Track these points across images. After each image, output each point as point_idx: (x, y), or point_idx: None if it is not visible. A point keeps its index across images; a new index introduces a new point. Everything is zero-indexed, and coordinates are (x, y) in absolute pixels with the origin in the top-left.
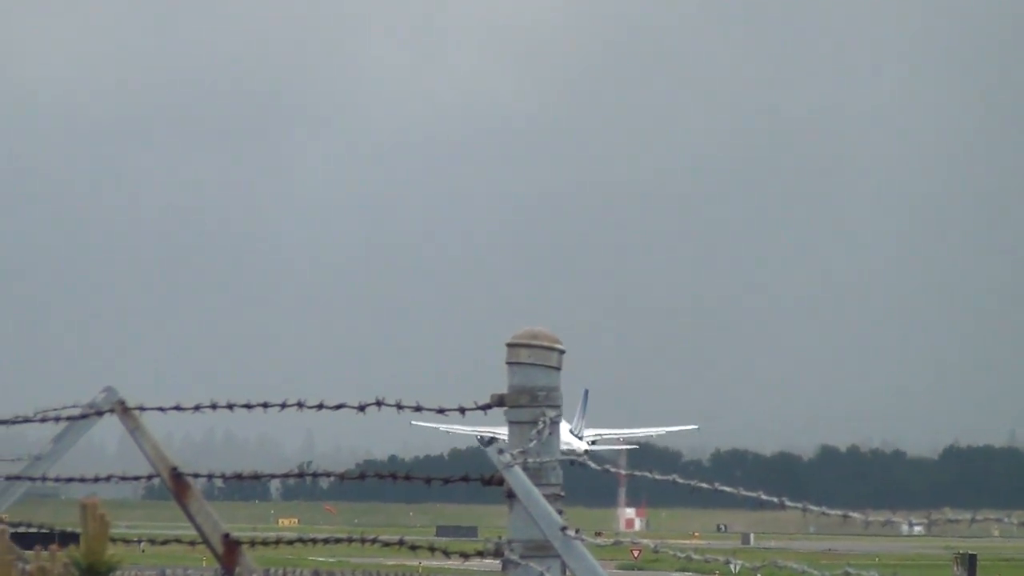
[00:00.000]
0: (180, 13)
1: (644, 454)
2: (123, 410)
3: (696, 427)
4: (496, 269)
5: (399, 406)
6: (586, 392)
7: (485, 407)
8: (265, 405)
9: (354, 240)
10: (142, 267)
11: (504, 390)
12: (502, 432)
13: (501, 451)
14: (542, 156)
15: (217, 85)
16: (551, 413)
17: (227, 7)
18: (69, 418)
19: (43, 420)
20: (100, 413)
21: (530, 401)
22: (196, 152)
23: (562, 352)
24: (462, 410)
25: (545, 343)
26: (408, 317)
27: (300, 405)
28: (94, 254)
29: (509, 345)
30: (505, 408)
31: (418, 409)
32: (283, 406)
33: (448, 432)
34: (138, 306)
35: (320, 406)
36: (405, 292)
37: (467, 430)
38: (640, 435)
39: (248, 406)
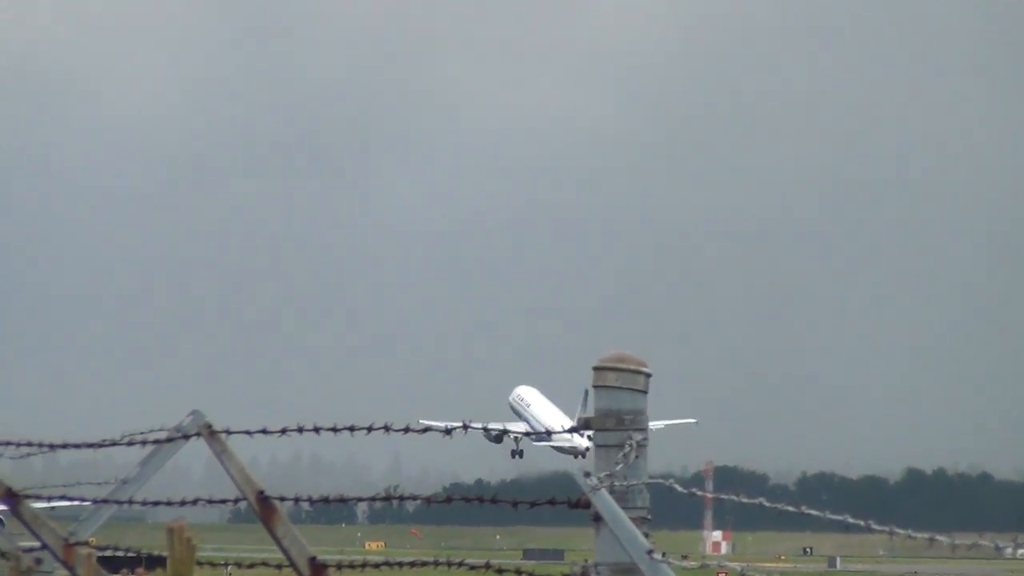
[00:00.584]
0: (268, 41)
1: (730, 477)
2: (210, 433)
3: (695, 420)
4: (580, 292)
5: (485, 428)
6: (587, 391)
7: (572, 430)
8: (352, 428)
9: (441, 262)
10: (228, 291)
11: (591, 413)
12: (510, 428)
13: (588, 474)
14: (628, 180)
15: (305, 111)
16: (638, 436)
17: (315, 34)
18: (156, 441)
19: (130, 444)
20: (187, 437)
21: (616, 424)
22: (282, 177)
23: (648, 375)
24: (548, 433)
25: (632, 366)
26: (493, 339)
27: (387, 428)
28: (182, 277)
29: (596, 368)
30: (591, 431)
31: (505, 432)
32: (370, 429)
33: (455, 430)
34: (225, 329)
35: (407, 429)
36: (489, 314)
37: (477, 426)
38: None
39: (335, 429)
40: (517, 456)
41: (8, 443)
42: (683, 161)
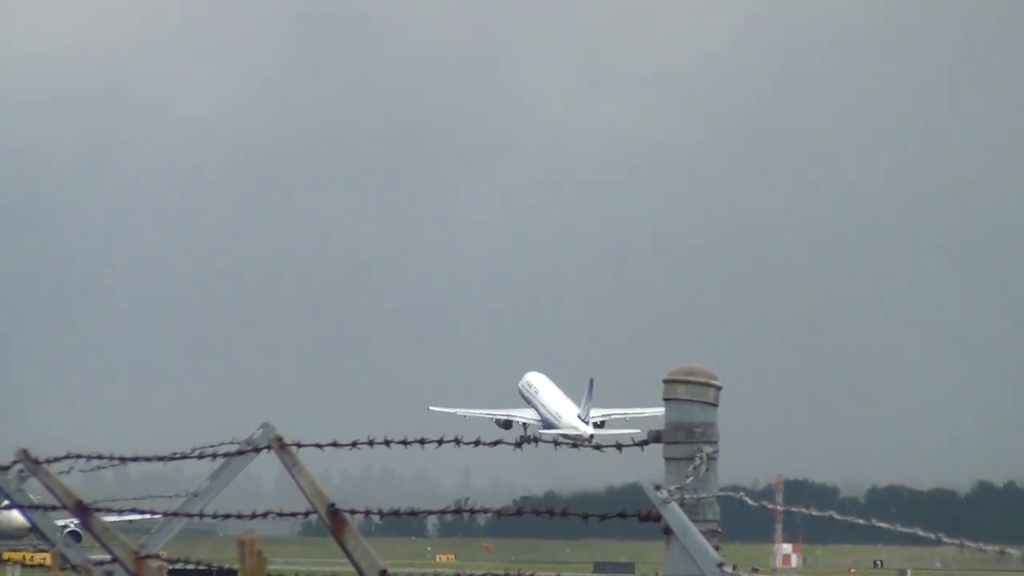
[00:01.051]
0: (338, 53)
1: (800, 490)
2: (280, 446)
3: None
4: (643, 304)
5: (556, 442)
6: (591, 381)
7: (642, 443)
8: (422, 441)
9: (510, 277)
10: (298, 304)
11: (660, 426)
12: (517, 415)
13: (658, 487)
14: (700, 196)
15: (373, 123)
16: (708, 449)
17: (384, 46)
18: (226, 455)
19: (200, 457)
20: (257, 450)
21: (687, 437)
22: (347, 189)
23: (719, 388)
24: (619, 446)
25: (702, 379)
26: (562, 353)
27: (457, 441)
28: (250, 289)
29: (666, 381)
30: (662, 444)
31: (575, 446)
32: (440, 442)
33: (466, 417)
34: (295, 340)
35: (477, 442)
36: (560, 329)
37: (485, 413)
38: (647, 414)
39: (405, 442)
40: (522, 443)
41: (79, 456)
42: (747, 176)
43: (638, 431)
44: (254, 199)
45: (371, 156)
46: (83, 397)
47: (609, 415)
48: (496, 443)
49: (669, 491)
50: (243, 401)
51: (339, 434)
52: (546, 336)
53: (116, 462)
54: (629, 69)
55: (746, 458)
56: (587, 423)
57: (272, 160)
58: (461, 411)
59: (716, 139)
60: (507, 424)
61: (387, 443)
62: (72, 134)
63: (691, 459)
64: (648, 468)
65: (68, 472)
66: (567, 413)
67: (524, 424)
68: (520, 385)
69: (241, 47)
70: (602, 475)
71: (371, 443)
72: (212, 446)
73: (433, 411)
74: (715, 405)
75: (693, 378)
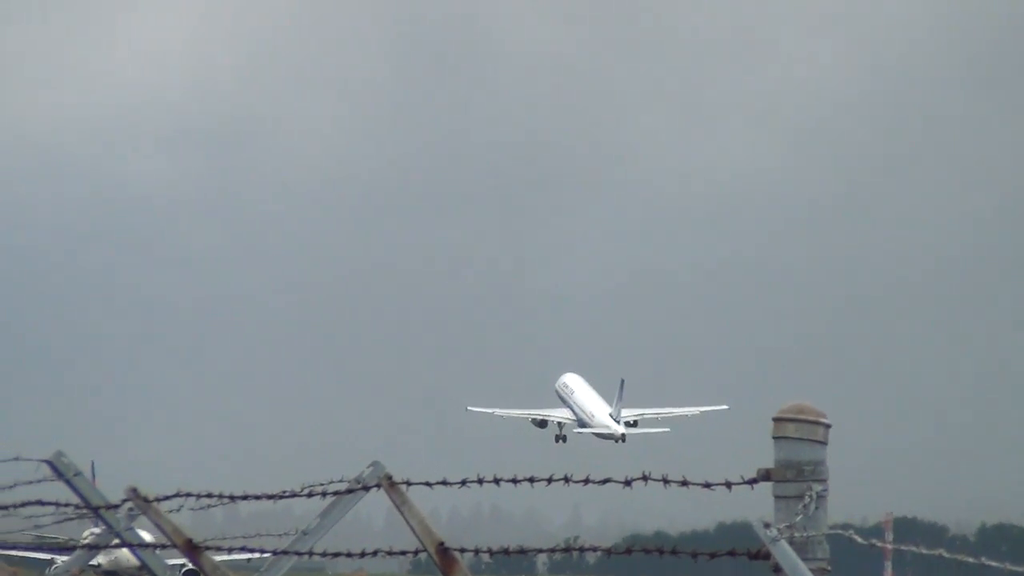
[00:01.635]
0: (448, 87)
1: (909, 528)
2: (390, 485)
3: (726, 407)
4: (758, 341)
5: (665, 480)
6: (622, 381)
7: (751, 481)
8: (532, 480)
9: (617, 313)
10: (405, 338)
11: (770, 464)
12: (553, 414)
13: (768, 525)
14: (810, 233)
15: (482, 158)
16: (817, 487)
17: (494, 81)
18: (335, 493)
19: (310, 495)
20: (367, 488)
21: (796, 476)
22: (457, 226)
23: (828, 426)
24: (728, 484)
25: (811, 417)
26: (684, 383)
27: (566, 480)
28: (360, 325)
29: (775, 419)
30: (772, 483)
31: (684, 484)
32: (550, 480)
33: (503, 417)
34: (404, 379)
35: (586, 480)
36: (669, 367)
37: (522, 413)
38: (675, 413)
39: (514, 480)
40: (560, 441)
41: (188, 495)
42: (861, 214)
43: (668, 429)
44: (362, 229)
45: (477, 189)
46: (192, 435)
47: (642, 415)
48: (605, 481)
49: (779, 529)
50: (353, 439)
51: (448, 472)
52: (612, 352)
53: (226, 500)
54: (737, 105)
55: (855, 495)
56: (618, 422)
57: (379, 190)
58: (499, 411)
59: (827, 176)
60: (543, 423)
61: (496, 481)
62: (182, 171)
63: (800, 497)
64: (757, 506)
65: (178, 510)
66: (600, 412)
67: (559, 423)
68: (557, 386)
69: (350, 77)
70: (711, 513)
71: (480, 481)
72: (322, 484)
73: (472, 411)
74: (824, 443)
75: (802, 416)
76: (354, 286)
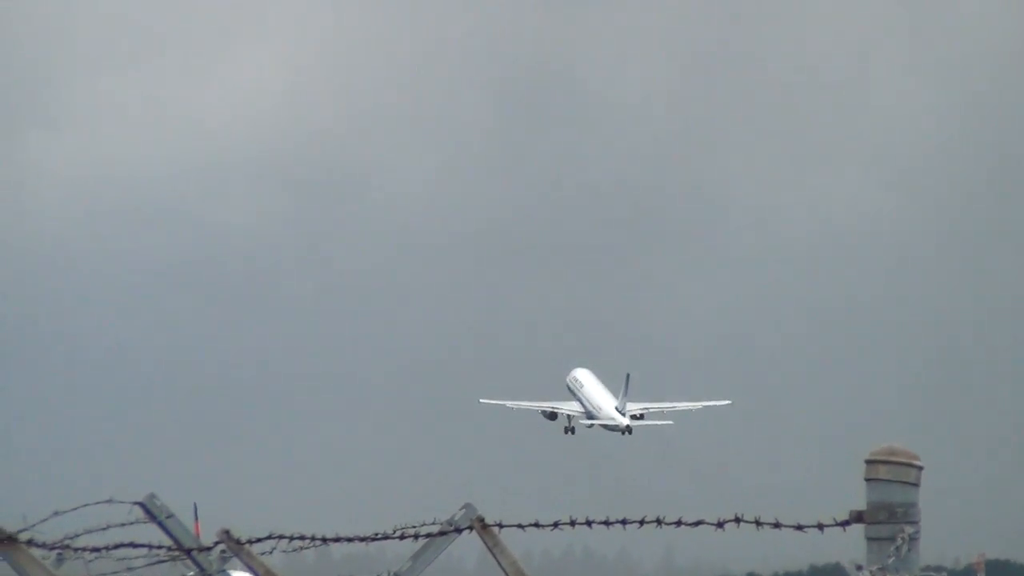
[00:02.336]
0: (543, 131)
1: (1002, 570)
2: (482, 527)
3: (729, 402)
4: (858, 384)
5: (757, 522)
6: (628, 375)
7: (844, 523)
8: (624, 522)
9: (712, 355)
10: (498, 380)
11: (862, 505)
12: (562, 407)
13: (860, 567)
14: (913, 274)
15: (578, 204)
16: (909, 529)
17: (590, 126)
18: (428, 535)
19: (402, 537)
20: (459, 530)
21: (888, 518)
22: (551, 273)
23: (920, 468)
24: (820, 526)
25: (903, 459)
26: (768, 427)
27: (659, 522)
28: (455, 368)
29: (868, 462)
30: (864, 524)
31: (776, 526)
32: (642, 523)
33: (515, 408)
34: (495, 418)
35: (679, 522)
36: (766, 406)
37: (533, 405)
38: (679, 407)
39: (607, 523)
40: (569, 432)
41: (281, 537)
42: (968, 256)
43: (671, 422)
44: (456, 278)
45: (573, 237)
46: (284, 476)
47: (648, 408)
48: (698, 523)
49: (871, 572)
50: (446, 481)
51: (541, 514)
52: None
53: (318, 542)
54: (843, 145)
55: (947, 536)
56: (624, 415)
57: (472, 239)
58: (510, 403)
59: (930, 216)
60: (552, 415)
61: (588, 523)
62: (272, 220)
63: (893, 539)
64: (850, 548)
65: (270, 552)
66: (607, 406)
67: (568, 415)
68: (568, 380)
69: (445, 127)
70: (804, 554)
71: (572, 523)
72: (414, 527)
73: (484, 403)
74: (916, 485)
75: (894, 458)
76: (446, 332)
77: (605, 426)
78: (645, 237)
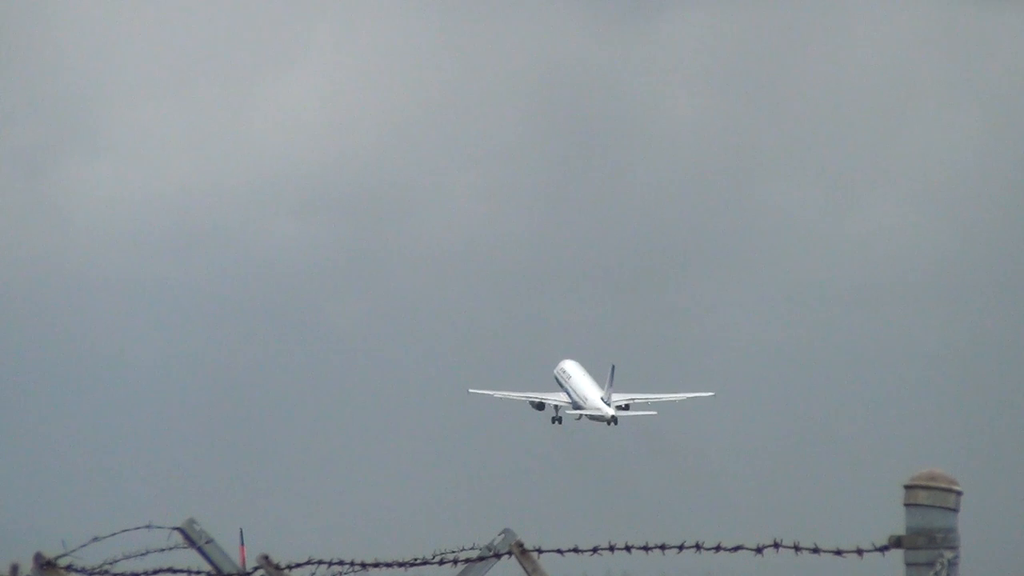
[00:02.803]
0: (583, 163)
1: None
2: (521, 552)
3: (712, 393)
4: (892, 409)
5: (796, 547)
6: (613, 367)
7: (883, 548)
8: (663, 547)
9: (770, 389)
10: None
11: (901, 531)
12: (549, 398)
13: None
14: (956, 307)
15: (624, 232)
16: (949, 555)
17: (637, 151)
18: (467, 560)
19: (441, 562)
20: (498, 555)
21: (927, 543)
22: (599, 300)
23: (959, 493)
24: (860, 551)
25: (943, 484)
26: (817, 453)
27: (698, 547)
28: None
29: (907, 487)
30: (903, 550)
31: (815, 551)
32: (681, 548)
33: (503, 398)
34: (535, 441)
35: (717, 548)
36: (817, 432)
37: (521, 396)
38: (663, 399)
39: (646, 548)
40: (557, 422)
41: (320, 562)
42: (1008, 283)
43: (655, 413)
44: (505, 303)
45: (621, 266)
46: (324, 501)
47: (633, 399)
48: (736, 548)
49: None
50: (485, 505)
51: (580, 540)
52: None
53: (357, 567)
54: (894, 177)
55: (987, 562)
56: (609, 405)
57: (525, 266)
58: (498, 393)
59: (983, 250)
60: (540, 406)
61: (627, 548)
62: (318, 241)
63: (932, 565)
64: (889, 573)
65: None
66: (593, 396)
67: (556, 406)
68: (555, 371)
69: (491, 149)
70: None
71: (611, 548)
72: (453, 552)
73: (472, 393)
74: (956, 510)
75: (934, 483)
76: (487, 355)
77: (592, 416)
78: (687, 262)
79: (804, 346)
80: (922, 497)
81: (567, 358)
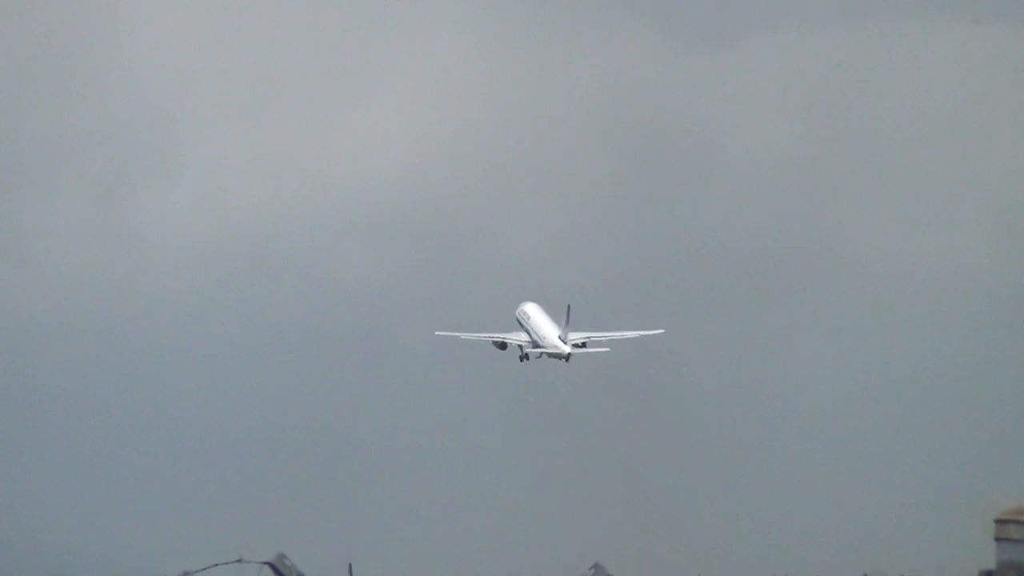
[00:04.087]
0: (662, 190)
1: None
2: None
3: (662, 331)
4: (967, 439)
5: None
6: (568, 307)
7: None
8: None
9: (838, 413)
10: (619, 452)
11: (992, 565)
12: (511, 337)
13: None
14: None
15: (698, 256)
16: None
17: (710, 184)
18: None
19: None
20: None
21: None
22: (674, 323)
23: None
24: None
25: None
26: (886, 479)
27: None
28: (584, 436)
29: (998, 521)
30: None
31: (507, 342)
32: None
33: (466, 339)
34: (614, 476)
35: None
36: (894, 455)
37: (484, 336)
38: (616, 337)
39: None
40: (524, 359)
41: None
42: None
43: (607, 349)
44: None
45: (698, 292)
46: (415, 536)
47: (589, 337)
48: None
49: None
50: (572, 538)
51: (666, 571)
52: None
53: None
54: (962, 202)
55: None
56: (566, 343)
57: (590, 290)
58: (463, 335)
59: None
60: (503, 345)
61: None
62: (392, 265)
63: None
64: None
65: None
66: (551, 335)
67: (519, 345)
68: (517, 313)
69: (564, 180)
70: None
71: None
72: None
73: (439, 335)
74: None
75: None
76: (561, 383)
77: (550, 354)
78: (767, 294)
79: (884, 371)
80: (1012, 532)
81: (528, 300)
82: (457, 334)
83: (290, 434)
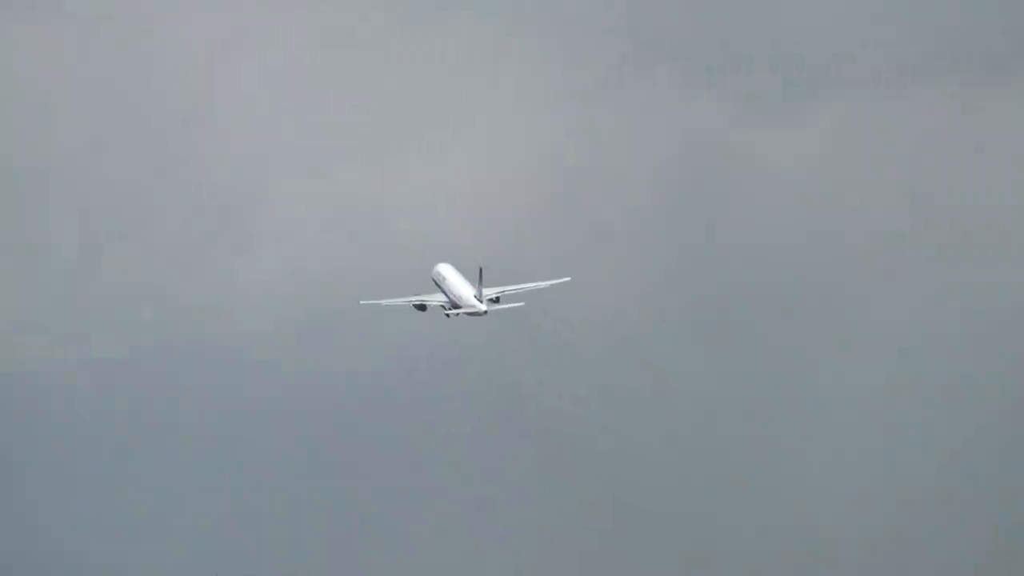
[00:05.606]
0: (695, 201)
1: None
2: None
3: (568, 279)
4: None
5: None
6: (480, 269)
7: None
8: None
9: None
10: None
11: None
12: (430, 299)
13: None
14: None
15: (725, 276)
16: None
17: (740, 194)
18: None
19: None
20: None
21: None
22: (714, 347)
23: None
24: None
25: None
26: (886, 480)
27: None
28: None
29: None
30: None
31: (426, 304)
32: None
33: (388, 305)
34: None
35: None
36: (893, 456)
37: (404, 301)
38: (526, 289)
39: None
40: (450, 316)
41: None
42: None
43: (523, 304)
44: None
45: (716, 311)
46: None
47: (503, 291)
48: None
49: None
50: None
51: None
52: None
53: None
54: (996, 228)
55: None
56: (481, 301)
57: (646, 325)
58: (384, 301)
59: None
60: (423, 307)
61: None
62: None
63: None
64: None
65: None
66: (467, 294)
67: (441, 305)
68: (432, 275)
69: (628, 234)
70: None
71: None
72: None
73: (363, 304)
74: None
75: None
76: (617, 410)
77: (468, 313)
78: (791, 309)
79: (884, 375)
80: None
81: (441, 261)
82: (380, 301)
83: (370, 495)
